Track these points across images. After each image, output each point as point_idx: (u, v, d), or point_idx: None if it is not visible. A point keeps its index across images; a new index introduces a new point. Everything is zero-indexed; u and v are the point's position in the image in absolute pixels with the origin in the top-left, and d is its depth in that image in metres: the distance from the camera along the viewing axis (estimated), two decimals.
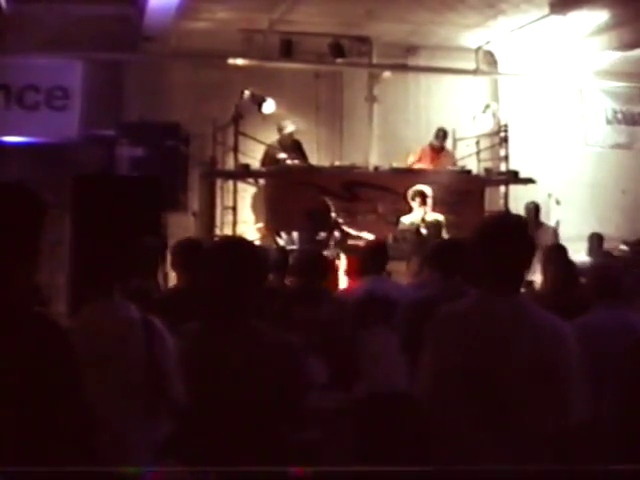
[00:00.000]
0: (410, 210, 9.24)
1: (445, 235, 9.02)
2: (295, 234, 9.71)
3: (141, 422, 3.57)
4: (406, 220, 9.12)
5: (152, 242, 5.26)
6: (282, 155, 10.44)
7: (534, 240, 3.08)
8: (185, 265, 4.88)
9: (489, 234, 3.04)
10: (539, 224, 10.40)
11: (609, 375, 3.92)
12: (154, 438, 3.39)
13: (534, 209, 10.51)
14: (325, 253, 8.64)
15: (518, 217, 3.13)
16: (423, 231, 8.95)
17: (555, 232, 10.37)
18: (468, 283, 4.35)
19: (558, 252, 5.53)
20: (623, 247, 9.39)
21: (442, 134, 11.03)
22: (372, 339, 5.32)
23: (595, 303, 4.41)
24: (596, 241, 9.93)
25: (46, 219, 2.28)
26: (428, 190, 9.17)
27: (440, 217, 9.18)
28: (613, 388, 3.69)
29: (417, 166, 10.86)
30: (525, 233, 3.05)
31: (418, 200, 9.12)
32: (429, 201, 9.14)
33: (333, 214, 9.19)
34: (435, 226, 9.05)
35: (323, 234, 8.88)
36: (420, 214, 9.09)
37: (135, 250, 4.79)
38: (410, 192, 9.18)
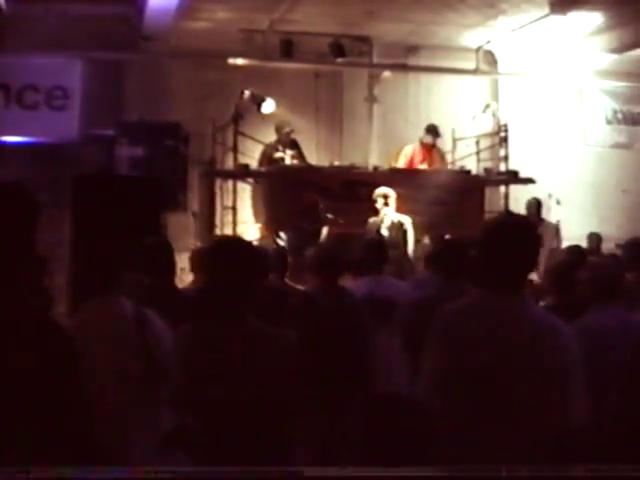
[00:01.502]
0: (377, 212, 9.34)
1: (410, 235, 9.13)
2: (283, 234, 9.75)
3: (142, 415, 3.57)
4: (371, 220, 9.25)
5: (151, 241, 5.27)
6: (279, 154, 10.45)
7: (539, 241, 3.07)
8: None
9: (493, 234, 3.04)
10: (540, 221, 10.41)
11: (609, 376, 3.92)
12: (157, 430, 3.39)
13: (535, 205, 10.51)
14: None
15: (524, 218, 3.12)
16: (384, 232, 9.02)
17: (557, 229, 10.37)
18: (469, 283, 4.35)
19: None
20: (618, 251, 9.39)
21: (434, 130, 11.00)
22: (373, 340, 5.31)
23: (594, 303, 4.40)
24: (595, 241, 9.95)
25: (41, 219, 2.28)
26: (391, 192, 9.26)
27: (405, 219, 9.23)
28: (613, 389, 3.68)
29: (420, 166, 10.89)
30: (530, 234, 3.04)
31: (381, 202, 9.23)
32: (391, 202, 9.23)
33: (322, 211, 9.31)
34: (397, 227, 9.12)
35: (312, 227, 9.04)
36: (381, 215, 9.19)
37: (134, 249, 4.79)
38: (374, 194, 9.31)
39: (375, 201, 9.28)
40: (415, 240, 9.25)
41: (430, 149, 11.07)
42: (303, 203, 9.50)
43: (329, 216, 9.40)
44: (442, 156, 11.32)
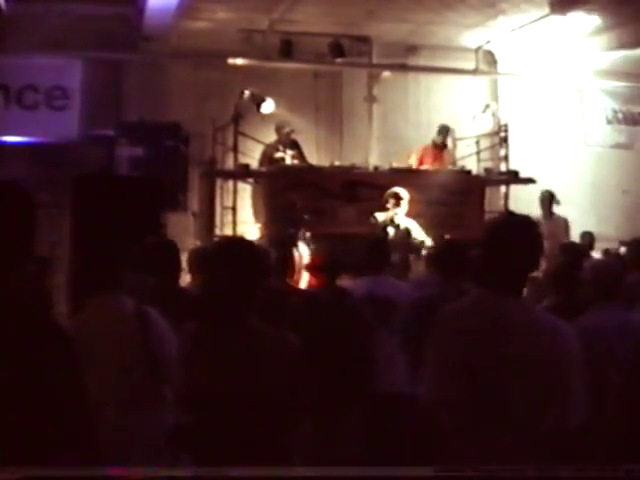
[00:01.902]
0: (386, 209, 9.30)
1: (422, 237, 9.04)
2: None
3: (143, 414, 3.57)
4: (379, 216, 9.21)
5: (156, 241, 5.28)
6: (280, 154, 10.45)
7: (541, 241, 3.06)
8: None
9: (495, 234, 3.04)
10: (551, 214, 10.40)
11: (609, 376, 3.92)
12: (158, 429, 3.39)
13: (548, 198, 10.50)
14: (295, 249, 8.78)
15: (525, 218, 3.10)
16: (390, 230, 9.00)
17: (566, 223, 10.35)
18: (469, 283, 4.35)
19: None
20: (622, 248, 9.39)
21: (445, 131, 11.04)
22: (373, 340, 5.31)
23: (595, 303, 4.41)
24: (588, 240, 9.97)
25: (39, 218, 2.27)
26: (404, 193, 9.21)
27: (412, 224, 9.16)
28: (614, 388, 3.69)
29: (424, 167, 10.89)
30: (531, 234, 3.03)
31: (392, 202, 9.19)
32: (403, 203, 9.17)
33: (299, 212, 9.28)
34: (403, 231, 9.07)
35: (292, 230, 9.02)
36: (391, 214, 9.16)
37: (137, 249, 4.80)
38: (386, 193, 9.27)
39: (386, 201, 9.23)
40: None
41: (441, 149, 11.09)
42: (282, 206, 9.48)
43: (306, 217, 9.34)
44: (452, 157, 11.30)
